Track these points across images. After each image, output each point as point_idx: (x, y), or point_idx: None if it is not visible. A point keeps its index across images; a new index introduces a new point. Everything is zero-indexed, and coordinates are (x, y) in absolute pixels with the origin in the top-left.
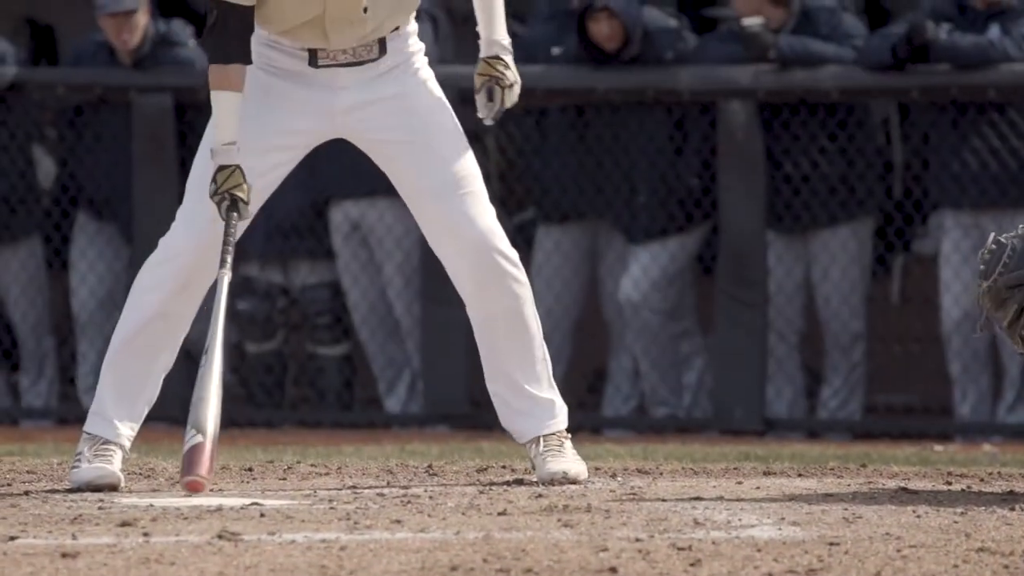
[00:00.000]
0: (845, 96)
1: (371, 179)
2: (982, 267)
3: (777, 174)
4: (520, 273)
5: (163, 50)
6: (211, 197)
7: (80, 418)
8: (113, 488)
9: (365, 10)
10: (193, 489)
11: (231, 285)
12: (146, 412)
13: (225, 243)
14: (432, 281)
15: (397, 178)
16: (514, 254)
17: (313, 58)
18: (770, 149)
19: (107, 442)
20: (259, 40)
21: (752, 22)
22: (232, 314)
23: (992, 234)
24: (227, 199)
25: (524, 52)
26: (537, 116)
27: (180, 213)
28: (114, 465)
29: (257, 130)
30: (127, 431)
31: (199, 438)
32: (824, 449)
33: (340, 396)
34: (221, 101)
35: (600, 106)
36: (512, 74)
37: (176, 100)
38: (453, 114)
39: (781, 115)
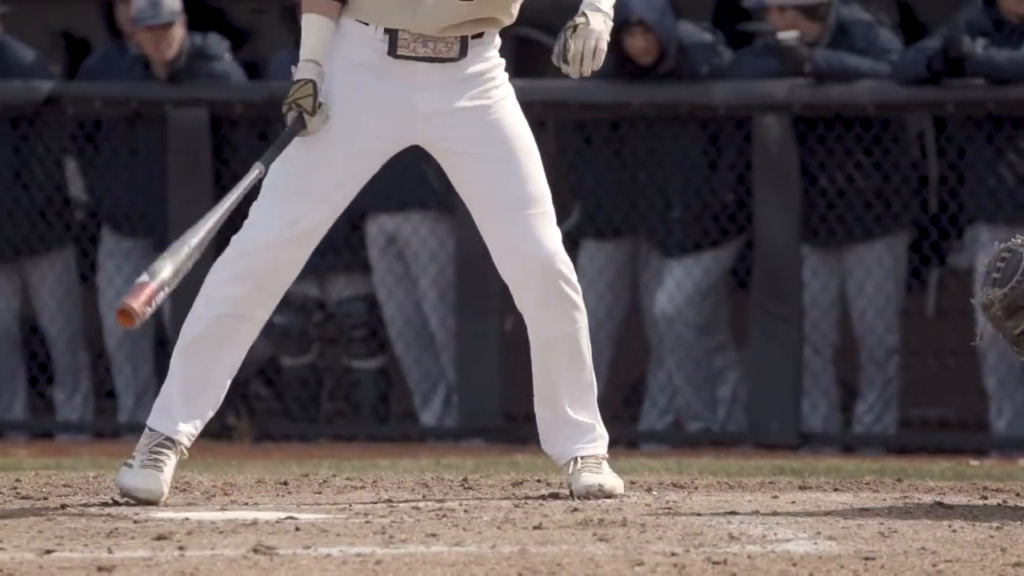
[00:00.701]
0: (880, 110)
1: (407, 193)
2: (996, 276)
3: (812, 188)
4: (579, 300)
5: (199, 64)
6: (283, 105)
7: (116, 432)
8: (152, 504)
9: None
10: (121, 317)
11: None
12: (211, 414)
13: (279, 144)
14: (467, 295)
15: (468, 191)
16: (575, 279)
17: (393, 44)
18: (805, 163)
19: (164, 442)
20: (341, 33)
21: (787, 36)
22: (267, 328)
23: (997, 243)
24: (295, 109)
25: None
26: (572, 130)
27: (253, 210)
28: (163, 474)
29: (342, 134)
30: (189, 429)
31: (145, 278)
32: (859, 463)
33: (375, 409)
34: (307, 22)
35: (635, 120)
36: (587, 21)
37: (212, 114)
38: (531, 134)
39: (816, 129)
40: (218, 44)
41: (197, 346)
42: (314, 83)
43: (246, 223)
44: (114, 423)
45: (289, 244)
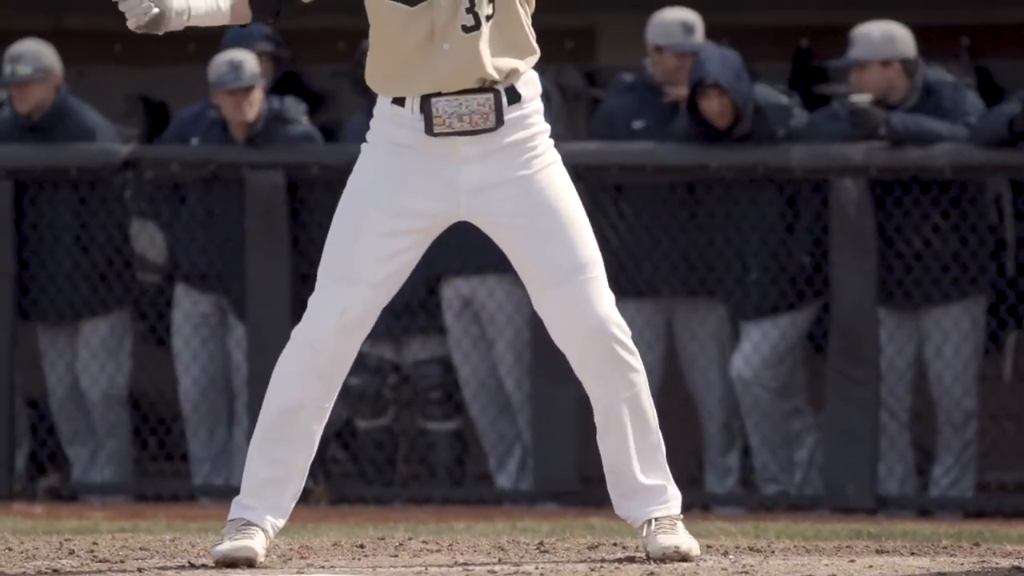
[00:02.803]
0: (957, 173)
1: (482, 256)
2: None
3: (889, 251)
4: (636, 361)
5: (276, 127)
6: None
7: (191, 495)
8: (249, 563)
9: (464, 28)
10: None
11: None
12: (292, 505)
13: None
14: (543, 358)
15: (518, 262)
16: (630, 342)
17: (428, 122)
18: (882, 226)
19: (249, 523)
20: (380, 117)
21: (860, 98)
22: (343, 390)
23: None
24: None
25: (604, 124)
26: (648, 193)
27: (311, 301)
28: (254, 541)
29: (384, 213)
30: (271, 519)
31: None
32: (936, 527)
33: (451, 472)
34: None
35: (711, 183)
36: None
37: (288, 177)
38: (578, 198)
39: (893, 192)
40: (295, 108)
41: (271, 445)
42: (167, 12)
43: (304, 315)
44: (189, 487)
45: (343, 332)
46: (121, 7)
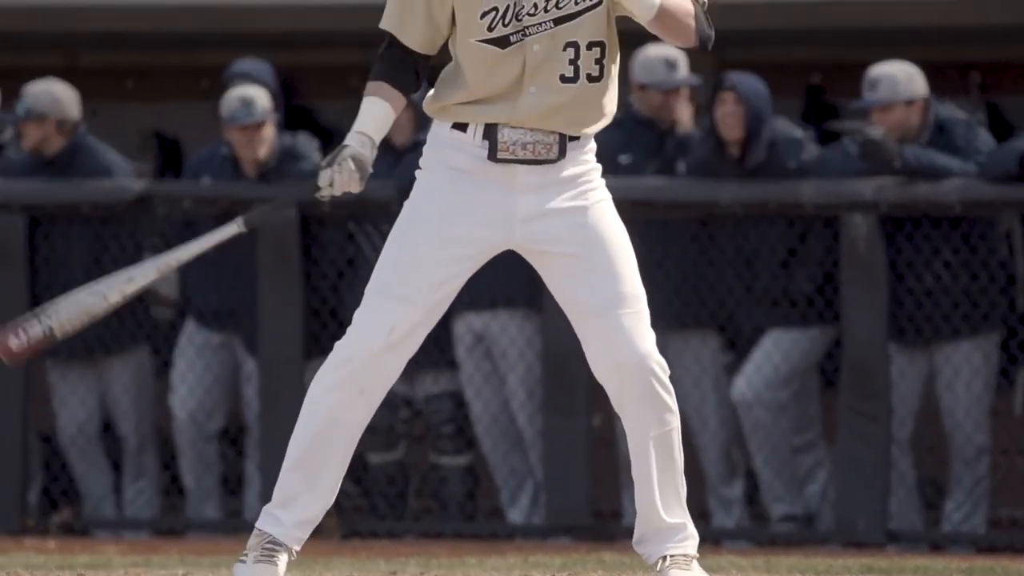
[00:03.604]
0: (968, 209)
1: (494, 291)
2: None
3: (900, 287)
4: (672, 401)
5: (288, 163)
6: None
7: (186, 527)
8: None
9: (563, 77)
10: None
11: None
12: (321, 517)
13: (276, 205)
14: (555, 392)
15: (561, 292)
16: (669, 381)
17: (492, 149)
18: (893, 262)
19: (274, 541)
20: (438, 142)
21: (875, 131)
22: None
23: None
24: (334, 164)
25: None
26: (659, 227)
27: (356, 316)
28: (278, 568)
29: (438, 238)
30: (298, 533)
31: (35, 323)
32: (948, 562)
33: (463, 507)
34: (366, 103)
35: (723, 218)
36: None
37: (300, 213)
38: (627, 236)
39: (904, 228)
40: (307, 144)
41: (304, 456)
42: (356, 158)
43: (348, 329)
44: (184, 520)
45: (389, 350)
46: (337, 193)
